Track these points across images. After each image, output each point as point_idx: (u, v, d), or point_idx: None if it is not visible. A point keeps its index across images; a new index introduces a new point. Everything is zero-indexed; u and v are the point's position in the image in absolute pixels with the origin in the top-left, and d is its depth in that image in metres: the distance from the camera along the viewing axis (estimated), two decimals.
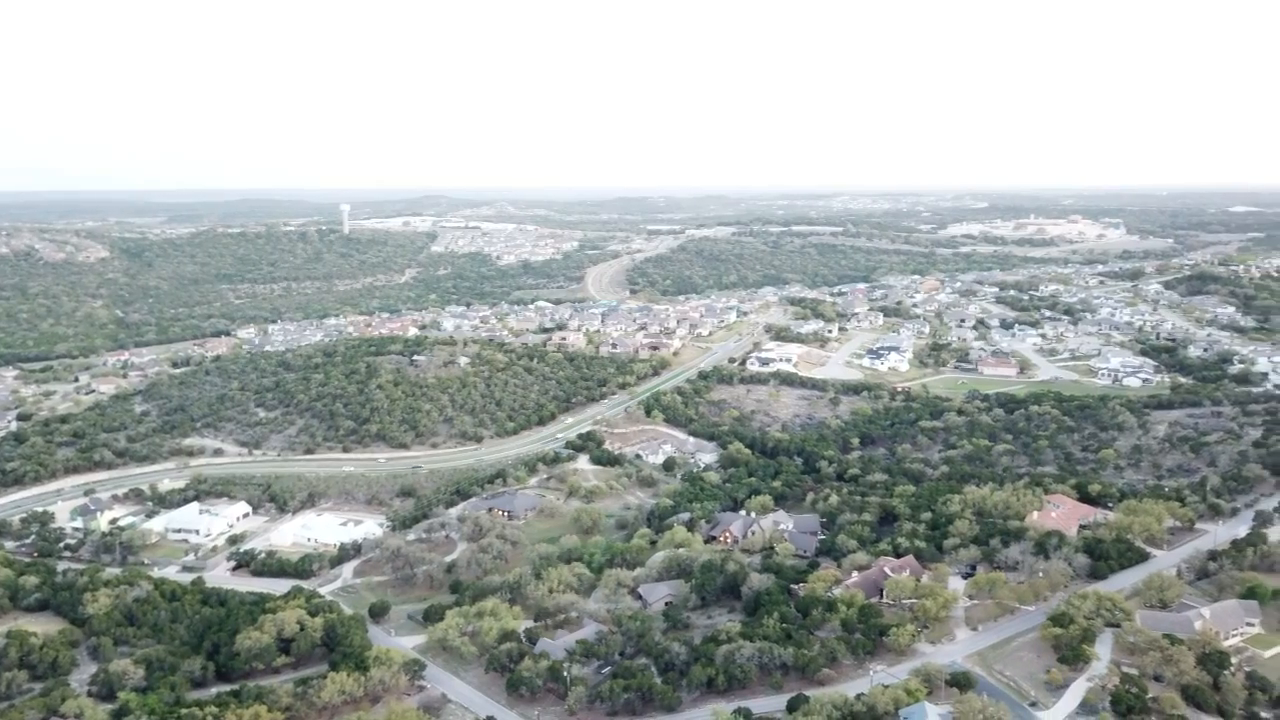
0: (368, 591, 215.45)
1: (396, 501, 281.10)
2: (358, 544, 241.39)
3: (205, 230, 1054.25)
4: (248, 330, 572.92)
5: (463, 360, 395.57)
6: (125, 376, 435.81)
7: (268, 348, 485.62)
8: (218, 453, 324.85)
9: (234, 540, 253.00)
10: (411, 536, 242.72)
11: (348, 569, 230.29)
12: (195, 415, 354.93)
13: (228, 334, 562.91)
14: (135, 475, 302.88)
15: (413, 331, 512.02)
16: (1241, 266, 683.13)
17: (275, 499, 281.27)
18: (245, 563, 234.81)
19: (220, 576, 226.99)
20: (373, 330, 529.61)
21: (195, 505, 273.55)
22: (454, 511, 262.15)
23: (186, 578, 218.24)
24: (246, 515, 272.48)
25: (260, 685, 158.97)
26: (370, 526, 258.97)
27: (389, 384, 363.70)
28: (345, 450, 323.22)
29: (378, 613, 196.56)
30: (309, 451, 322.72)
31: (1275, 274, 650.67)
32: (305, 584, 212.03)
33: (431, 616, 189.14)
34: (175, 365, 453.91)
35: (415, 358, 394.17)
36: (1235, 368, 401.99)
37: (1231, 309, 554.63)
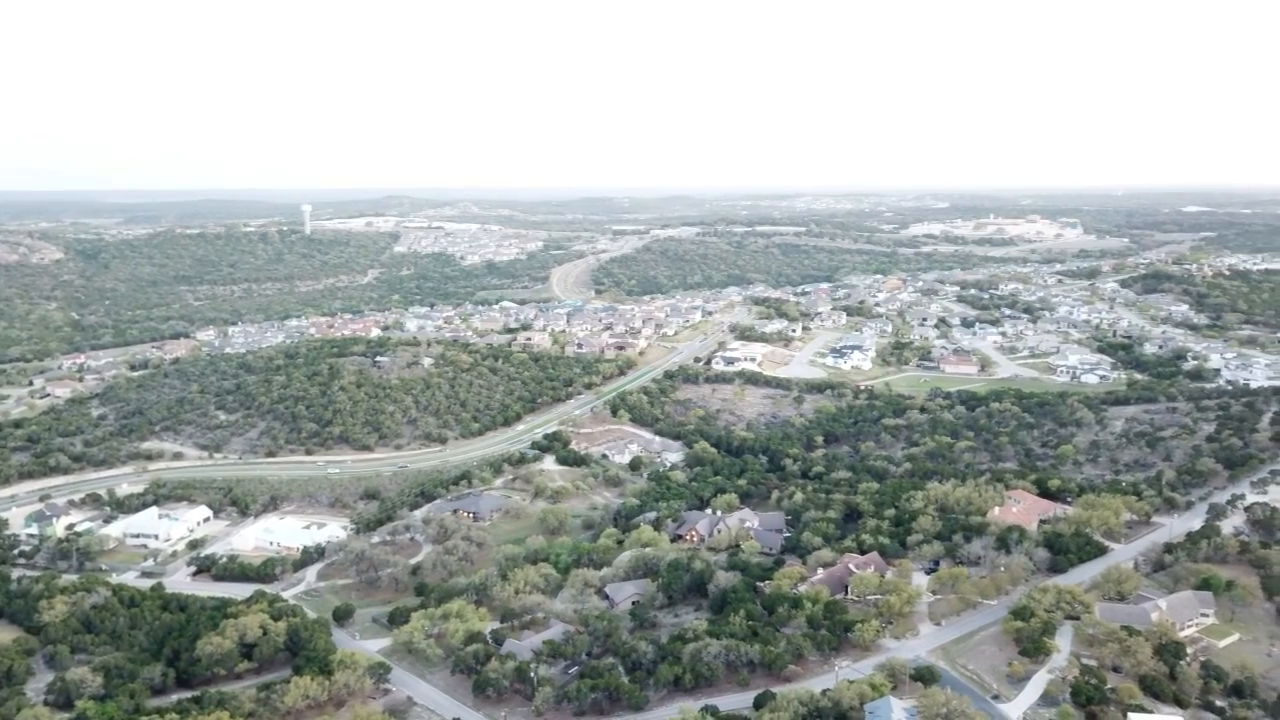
0: (332, 595, 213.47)
1: (360, 504, 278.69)
2: (321, 547, 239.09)
3: (163, 231, 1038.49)
4: (207, 332, 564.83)
5: (426, 361, 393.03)
6: (81, 380, 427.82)
7: (228, 350, 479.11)
8: (177, 456, 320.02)
9: (194, 545, 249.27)
10: (376, 539, 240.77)
11: (311, 572, 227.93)
12: (154, 419, 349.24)
13: (187, 336, 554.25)
14: (92, 480, 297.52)
15: (376, 332, 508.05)
16: (1195, 265, 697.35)
17: (237, 502, 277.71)
18: (206, 567, 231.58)
19: (181, 582, 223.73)
20: (335, 331, 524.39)
21: (154, 510, 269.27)
22: (419, 514, 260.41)
23: (146, 583, 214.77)
24: (207, 519, 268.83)
25: (222, 691, 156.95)
26: (334, 529, 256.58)
27: (352, 385, 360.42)
28: (308, 452, 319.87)
29: (342, 616, 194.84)
30: (271, 454, 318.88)
31: (1227, 273, 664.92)
32: (268, 588, 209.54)
33: (397, 619, 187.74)
34: (133, 368, 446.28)
35: (378, 359, 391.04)
36: (1189, 364, 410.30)
37: (1185, 307, 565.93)
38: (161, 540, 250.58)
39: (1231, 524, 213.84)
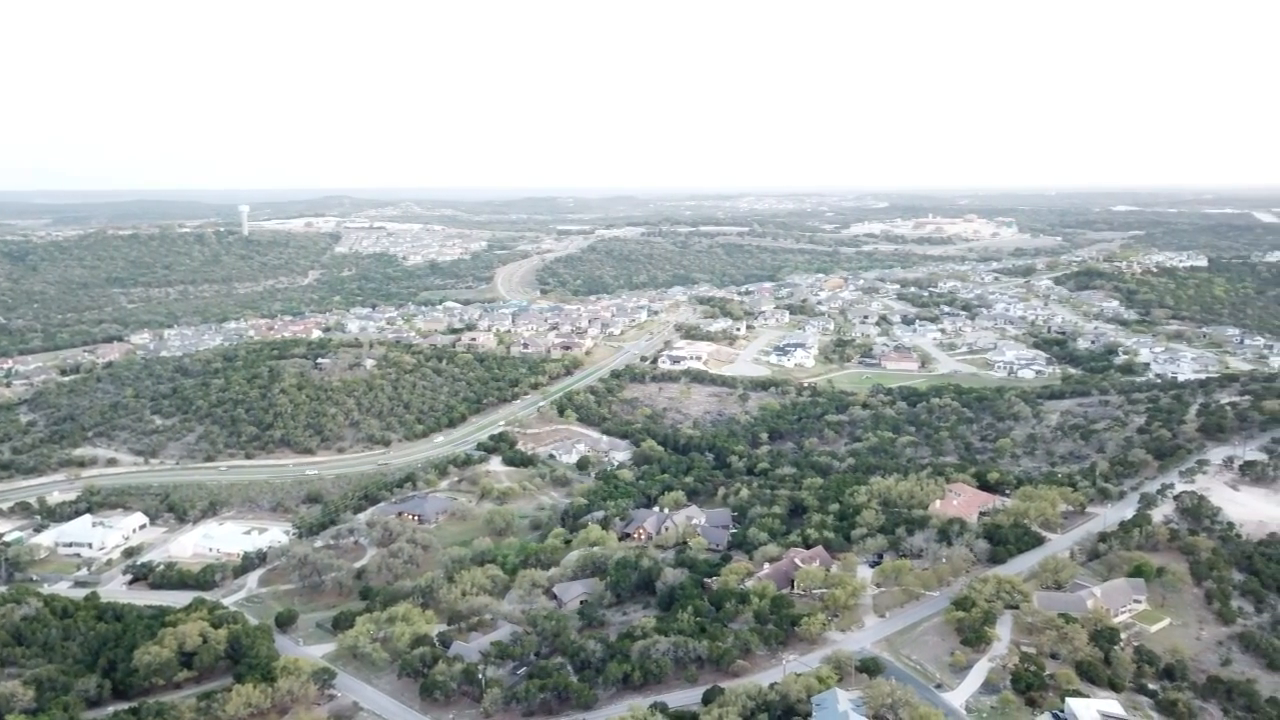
0: (274, 601, 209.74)
1: (303, 508, 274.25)
2: (263, 552, 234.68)
3: (94, 232, 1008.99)
4: (142, 335, 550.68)
5: (369, 362, 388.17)
6: (9, 385, 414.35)
7: (164, 353, 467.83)
8: (111, 462, 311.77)
9: (130, 553, 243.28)
10: (319, 543, 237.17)
11: (252, 578, 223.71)
12: (86, 424, 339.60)
13: (120, 339, 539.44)
14: (21, 488, 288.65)
15: (316, 334, 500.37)
16: (1124, 263, 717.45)
17: (174, 509, 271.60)
18: (143, 576, 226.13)
19: (116, 591, 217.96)
20: (275, 333, 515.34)
21: (88, 518, 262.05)
22: (363, 517, 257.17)
23: (79, 593, 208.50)
24: (143, 526, 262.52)
25: (161, 701, 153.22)
26: (275, 534, 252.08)
27: (292, 388, 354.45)
28: (248, 457, 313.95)
29: (285, 622, 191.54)
30: (209, 459, 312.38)
31: (1155, 270, 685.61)
32: (208, 595, 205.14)
33: (341, 624, 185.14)
34: (64, 373, 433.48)
35: (320, 361, 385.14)
36: (1120, 359, 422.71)
37: (1116, 303, 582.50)
38: (95, 549, 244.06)
39: (1162, 512, 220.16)
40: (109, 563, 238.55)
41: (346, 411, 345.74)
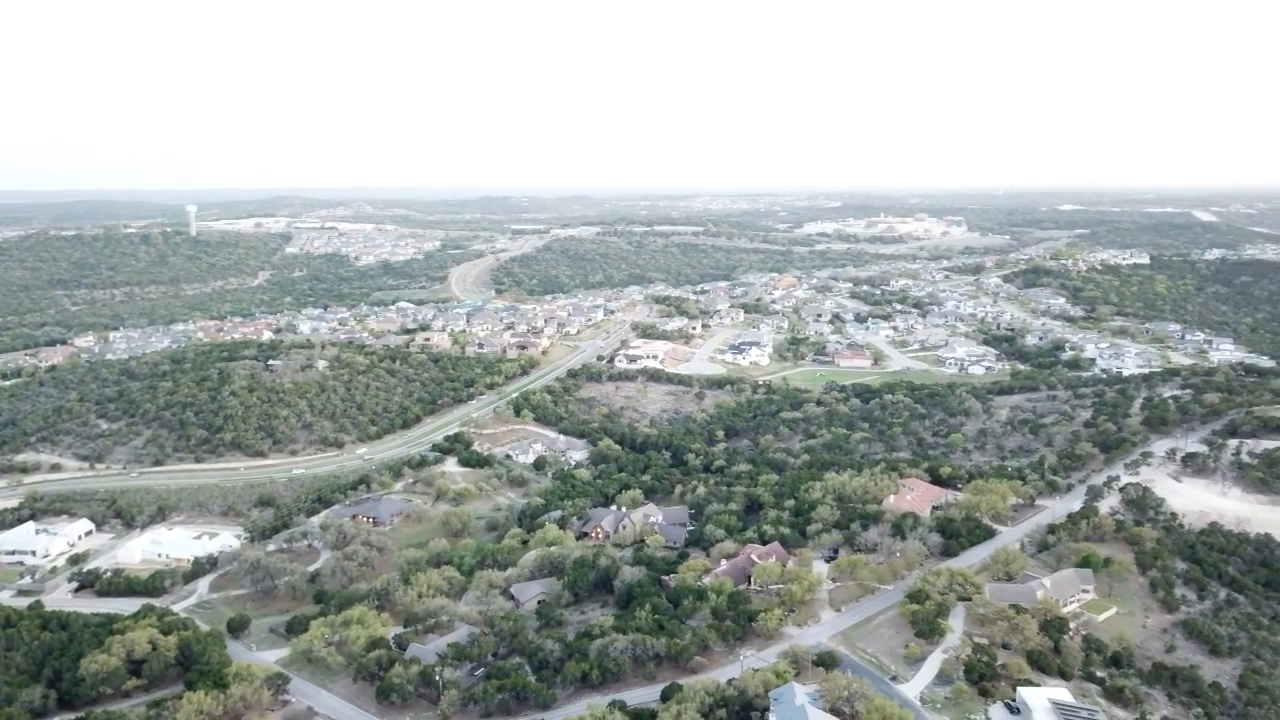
0: (226, 606, 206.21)
1: (254, 512, 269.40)
2: (213, 557, 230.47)
3: (35, 233, 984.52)
4: (86, 338, 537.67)
5: (321, 364, 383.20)
6: None
7: (109, 356, 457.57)
8: (55, 468, 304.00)
9: (76, 560, 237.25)
10: (272, 547, 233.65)
11: (203, 584, 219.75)
12: (29, 429, 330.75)
13: (64, 342, 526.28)
14: None
15: (267, 335, 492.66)
16: (1070, 261, 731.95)
17: (121, 514, 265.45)
18: (89, 583, 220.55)
19: (62, 599, 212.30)
20: (224, 335, 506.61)
21: (31, 525, 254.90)
22: (316, 520, 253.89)
23: (23, 602, 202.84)
24: (89, 533, 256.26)
25: (109, 711, 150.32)
26: (227, 538, 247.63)
27: (243, 390, 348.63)
28: (198, 460, 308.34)
29: (237, 627, 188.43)
30: (158, 463, 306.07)
31: (1099, 267, 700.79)
32: (157, 602, 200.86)
33: (295, 628, 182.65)
34: (5, 377, 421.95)
35: (271, 362, 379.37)
36: (1067, 354, 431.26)
37: (1063, 300, 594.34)
38: (39, 556, 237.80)
39: (1108, 504, 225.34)
40: (53, 570, 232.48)
41: (299, 413, 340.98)
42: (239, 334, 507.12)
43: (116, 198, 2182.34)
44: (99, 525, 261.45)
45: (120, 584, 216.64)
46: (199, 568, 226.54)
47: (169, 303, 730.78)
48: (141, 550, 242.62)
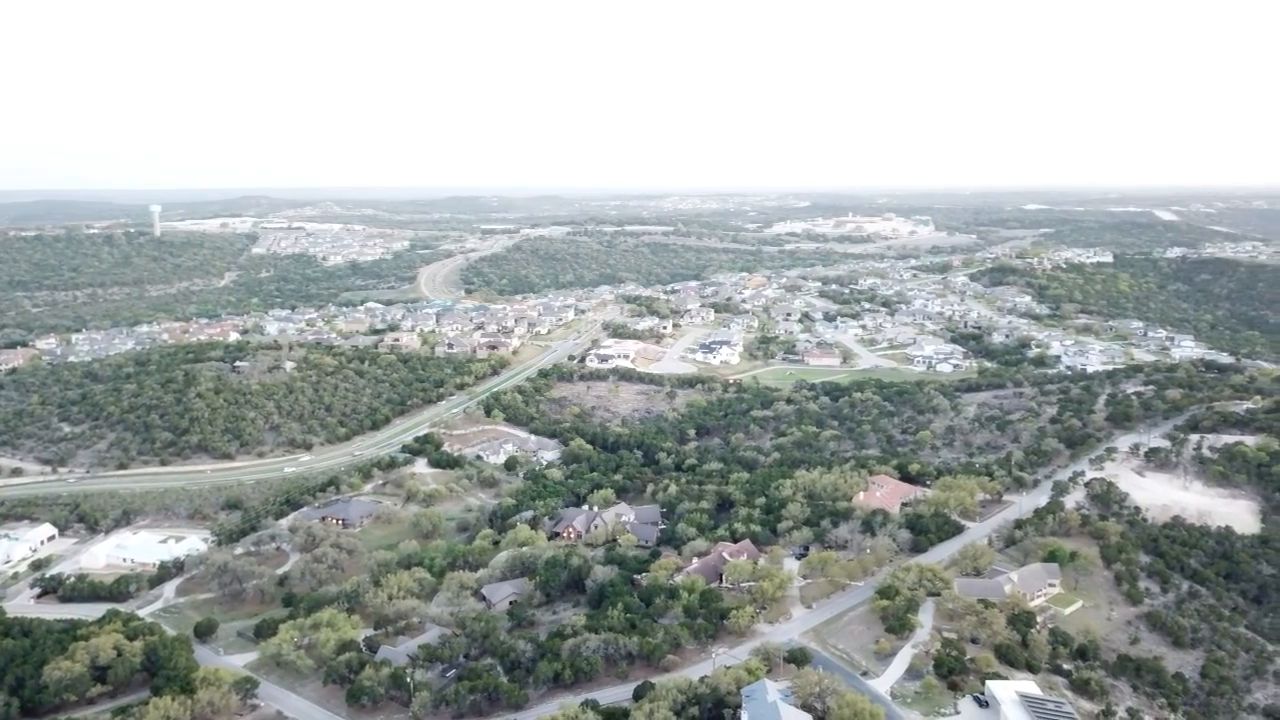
0: (193, 610, 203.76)
1: (222, 515, 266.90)
2: (180, 561, 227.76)
3: None
4: (48, 340, 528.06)
5: (289, 365, 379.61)
6: None
7: (72, 358, 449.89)
8: (16, 472, 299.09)
9: (38, 565, 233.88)
10: (239, 550, 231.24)
11: (169, 588, 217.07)
12: None
13: (24, 345, 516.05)
14: None
15: (234, 337, 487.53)
16: (1035, 260, 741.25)
17: (85, 519, 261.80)
18: (52, 589, 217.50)
19: (23, 605, 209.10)
20: (190, 337, 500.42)
21: None
22: (285, 522, 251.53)
23: None
24: (52, 538, 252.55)
25: (73, 718, 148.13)
26: (193, 542, 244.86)
27: (209, 392, 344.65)
28: (163, 463, 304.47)
29: (204, 632, 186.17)
30: (122, 466, 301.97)
31: (1064, 266, 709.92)
32: (122, 607, 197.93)
33: (264, 632, 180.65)
34: None
35: (237, 364, 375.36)
36: (1033, 352, 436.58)
37: (1028, 298, 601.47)
38: (1, 562, 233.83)
39: (1074, 499, 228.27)
40: (15, 576, 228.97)
41: (266, 415, 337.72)
42: (205, 335, 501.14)
43: (79, 198, 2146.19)
44: (62, 530, 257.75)
45: (84, 589, 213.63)
46: (165, 572, 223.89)
47: (133, 304, 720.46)
48: (106, 555, 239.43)
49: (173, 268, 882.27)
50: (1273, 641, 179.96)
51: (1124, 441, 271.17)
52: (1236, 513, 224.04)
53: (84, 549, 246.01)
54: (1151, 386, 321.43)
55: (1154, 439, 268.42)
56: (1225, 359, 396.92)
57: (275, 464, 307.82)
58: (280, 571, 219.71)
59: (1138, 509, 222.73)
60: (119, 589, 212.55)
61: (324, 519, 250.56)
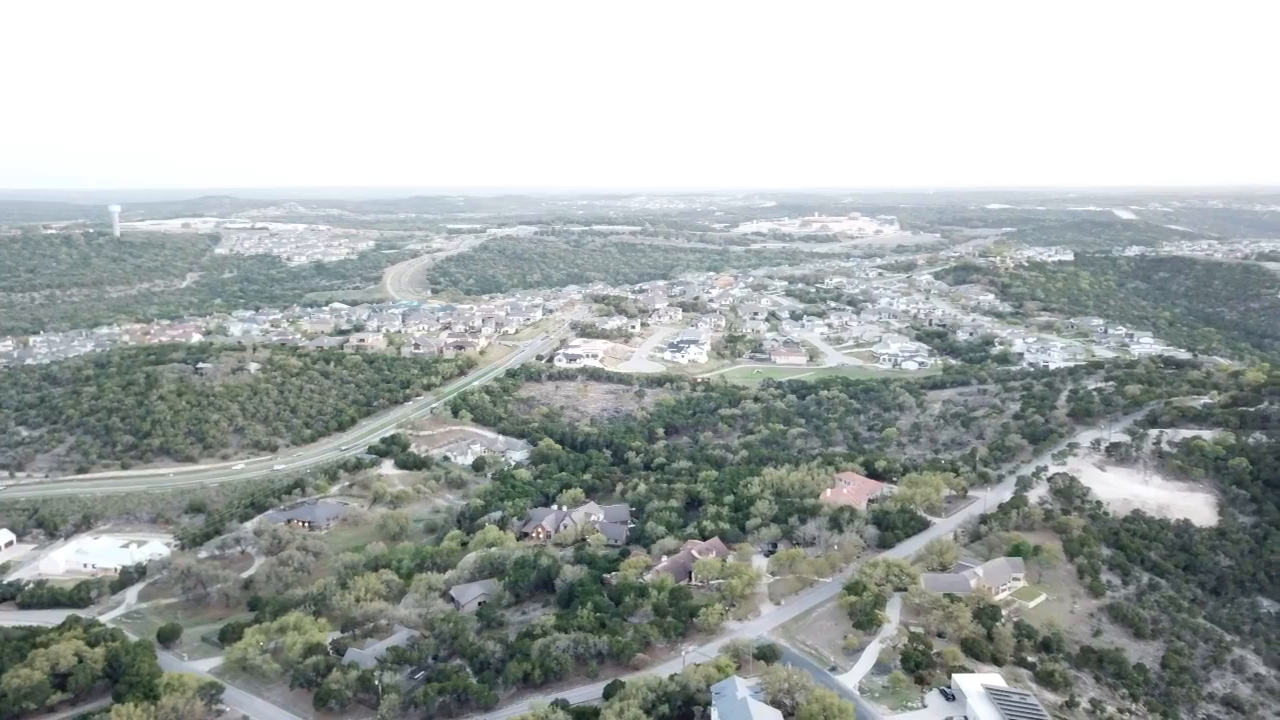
0: (156, 616, 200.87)
1: (185, 519, 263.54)
2: (142, 566, 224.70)
3: None
4: (5, 343, 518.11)
5: (253, 366, 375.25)
6: None
7: (29, 361, 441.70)
8: None
9: None
10: (203, 554, 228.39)
11: (132, 594, 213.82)
12: None
13: None
14: None
15: (196, 338, 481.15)
16: (998, 258, 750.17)
17: (44, 524, 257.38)
18: (10, 595, 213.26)
19: None
20: (151, 338, 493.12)
21: None
22: (249, 525, 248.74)
23: None
24: (10, 544, 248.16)
25: None
26: (156, 546, 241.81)
27: (172, 394, 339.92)
28: (124, 467, 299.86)
29: (167, 637, 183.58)
30: (82, 470, 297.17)
31: (1026, 264, 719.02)
32: (83, 613, 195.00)
33: (229, 636, 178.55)
34: None
35: (200, 365, 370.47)
36: (996, 349, 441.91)
37: (992, 296, 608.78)
38: None
39: (1037, 494, 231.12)
40: None
41: (230, 417, 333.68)
42: (166, 337, 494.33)
43: (35, 197, 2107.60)
44: (20, 535, 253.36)
45: (43, 596, 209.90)
46: (127, 577, 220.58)
47: (92, 306, 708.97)
48: (66, 560, 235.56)
49: (133, 269, 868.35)
50: (1230, 632, 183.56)
51: (1085, 437, 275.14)
52: (1194, 506, 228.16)
53: (43, 554, 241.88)
54: (1112, 383, 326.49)
55: (1114, 434, 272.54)
56: (1183, 355, 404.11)
57: (239, 466, 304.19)
58: (245, 575, 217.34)
59: (1099, 503, 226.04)
60: (79, 595, 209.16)
61: (290, 521, 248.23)
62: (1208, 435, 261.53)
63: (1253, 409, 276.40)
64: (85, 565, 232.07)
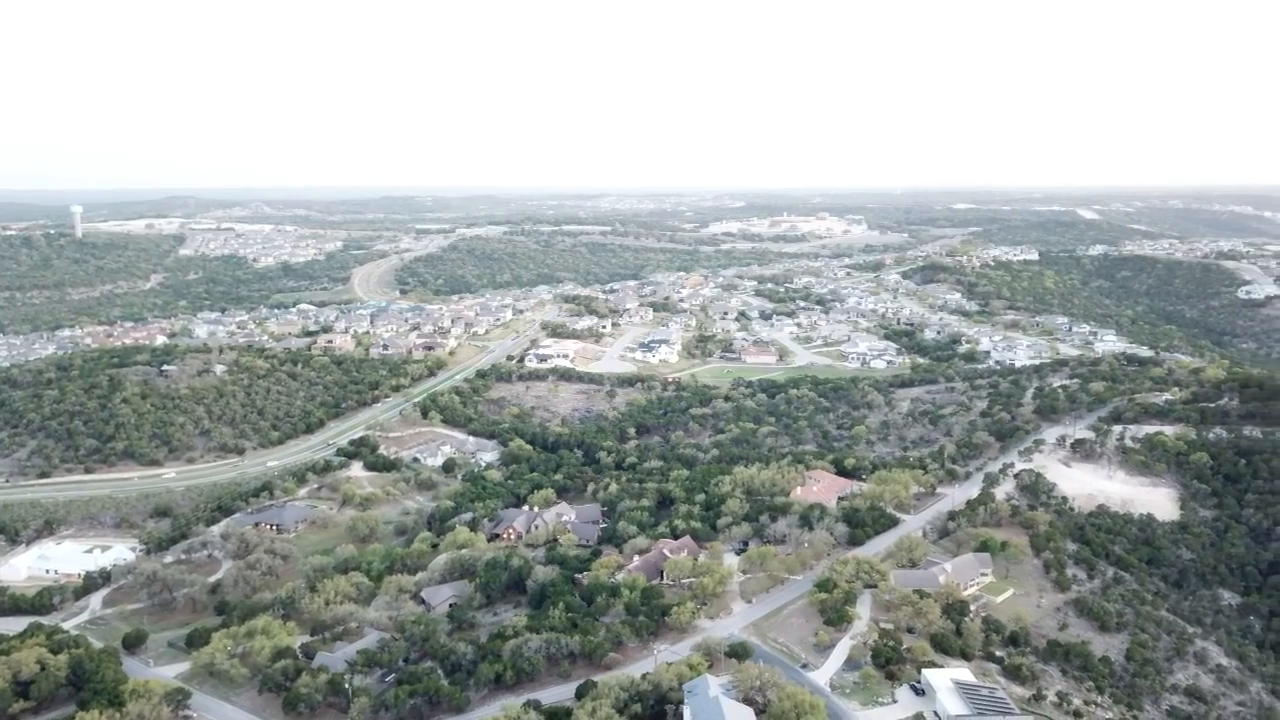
0: (121, 621, 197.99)
1: (150, 523, 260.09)
2: (107, 571, 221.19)
3: None
4: None
5: (219, 368, 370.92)
6: None
7: None
8: None
9: None
10: (169, 558, 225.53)
11: (96, 599, 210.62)
12: None
13: None
14: None
15: (161, 340, 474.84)
16: (965, 258, 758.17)
17: (4, 529, 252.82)
18: None
19: None
20: (115, 340, 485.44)
21: None
22: (216, 529, 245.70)
23: None
24: None
25: None
26: (121, 551, 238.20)
27: (136, 397, 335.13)
28: (88, 471, 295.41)
29: (133, 643, 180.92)
30: (44, 475, 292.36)
31: (992, 263, 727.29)
32: (45, 620, 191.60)
33: (196, 641, 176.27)
34: None
35: (165, 368, 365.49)
36: (963, 347, 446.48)
37: (958, 295, 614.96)
38: None
39: (1004, 490, 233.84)
40: None
41: (196, 420, 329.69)
42: (130, 339, 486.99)
43: None
44: None
45: (4, 602, 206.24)
46: (91, 583, 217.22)
47: (53, 308, 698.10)
48: (27, 566, 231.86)
49: (96, 270, 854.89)
50: (1192, 624, 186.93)
51: (1051, 433, 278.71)
52: (1157, 500, 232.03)
53: (4, 561, 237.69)
54: (1076, 380, 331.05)
55: (1079, 430, 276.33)
56: (1145, 353, 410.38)
57: (206, 470, 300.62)
58: (212, 579, 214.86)
59: (1065, 498, 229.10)
60: (42, 601, 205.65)
61: (257, 525, 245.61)
62: (1169, 431, 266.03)
63: (1213, 405, 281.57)
64: (48, 571, 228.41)
